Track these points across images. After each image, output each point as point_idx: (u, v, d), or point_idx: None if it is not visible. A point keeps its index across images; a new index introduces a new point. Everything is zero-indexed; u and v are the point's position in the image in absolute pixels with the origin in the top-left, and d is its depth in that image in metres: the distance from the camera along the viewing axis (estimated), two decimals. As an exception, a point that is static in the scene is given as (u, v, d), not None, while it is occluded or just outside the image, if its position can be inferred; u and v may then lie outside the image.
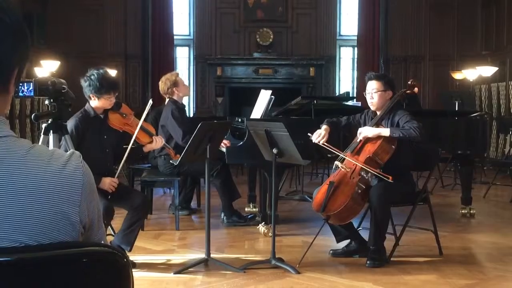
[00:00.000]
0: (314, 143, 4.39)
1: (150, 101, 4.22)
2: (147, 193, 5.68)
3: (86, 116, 3.98)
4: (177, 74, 5.75)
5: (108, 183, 3.92)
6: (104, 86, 3.92)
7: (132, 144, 4.04)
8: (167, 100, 5.71)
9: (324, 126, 4.44)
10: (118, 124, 4.10)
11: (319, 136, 4.37)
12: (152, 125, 6.01)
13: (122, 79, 12.33)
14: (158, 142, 4.27)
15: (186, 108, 12.46)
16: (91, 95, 3.96)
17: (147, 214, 4.74)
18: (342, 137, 4.97)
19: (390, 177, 4.01)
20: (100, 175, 3.82)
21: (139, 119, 4.16)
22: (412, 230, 4.69)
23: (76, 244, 1.15)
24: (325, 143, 4.34)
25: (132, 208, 4.04)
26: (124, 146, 4.09)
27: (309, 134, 4.41)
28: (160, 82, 5.67)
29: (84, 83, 3.96)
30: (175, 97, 5.61)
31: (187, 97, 6.30)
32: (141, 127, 4.12)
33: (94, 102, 4.00)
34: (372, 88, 4.36)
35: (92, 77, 3.93)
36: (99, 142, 4.02)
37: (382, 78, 4.44)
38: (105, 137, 4.05)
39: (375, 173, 4.11)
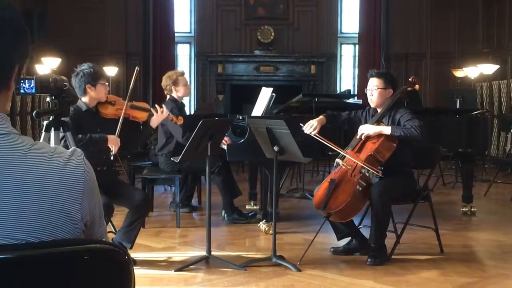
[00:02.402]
0: (306, 134, 4.37)
1: (137, 68, 4.40)
2: (148, 191, 5.67)
3: (77, 110, 3.99)
4: (181, 74, 5.75)
5: (114, 139, 3.93)
6: (98, 72, 4.04)
7: (124, 120, 4.05)
8: (167, 97, 5.73)
9: (319, 117, 4.43)
10: (111, 112, 4.12)
11: (311, 127, 4.37)
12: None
13: (123, 77, 12.34)
14: (162, 111, 4.25)
15: (187, 105, 12.45)
16: (87, 87, 4.00)
17: (148, 211, 4.72)
18: (343, 134, 4.96)
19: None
20: (98, 165, 3.82)
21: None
22: (413, 228, 4.68)
23: (78, 241, 1.15)
24: (317, 135, 4.33)
25: (133, 206, 4.04)
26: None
27: (301, 124, 4.40)
28: (164, 77, 5.72)
29: (76, 78, 4.00)
30: (174, 95, 5.63)
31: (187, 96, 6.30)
32: (132, 106, 4.17)
33: (90, 94, 4.02)
34: (373, 85, 4.35)
35: (84, 67, 4.03)
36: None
37: (383, 75, 4.43)
38: (99, 130, 4.05)
39: (374, 171, 4.10)
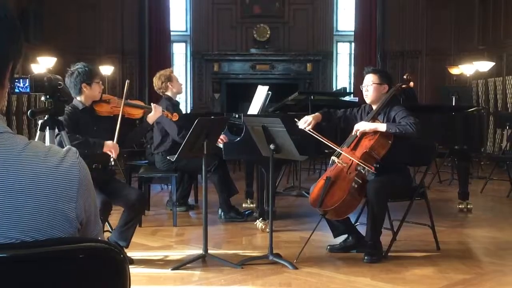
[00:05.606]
0: (301, 129, 4.40)
1: (128, 81, 4.45)
2: (144, 190, 5.67)
3: (74, 109, 3.99)
4: (171, 71, 5.78)
5: (112, 144, 3.89)
6: (93, 70, 4.06)
7: (123, 118, 4.05)
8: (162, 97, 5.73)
9: (315, 114, 4.47)
10: (106, 110, 4.14)
11: (305, 122, 4.40)
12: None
13: (119, 75, 12.32)
14: (157, 109, 4.27)
15: (183, 104, 12.43)
16: (82, 86, 4.00)
17: (143, 210, 4.71)
18: (340, 131, 4.97)
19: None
20: (94, 163, 3.82)
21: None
22: (410, 225, 4.69)
23: (73, 240, 1.15)
24: (312, 130, 4.35)
25: (128, 205, 4.04)
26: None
27: (295, 120, 4.44)
28: (154, 78, 5.70)
29: (71, 77, 4.00)
30: (169, 93, 5.62)
31: (181, 94, 6.28)
32: (128, 103, 4.20)
33: (85, 93, 4.03)
34: (368, 81, 4.38)
35: (78, 66, 4.04)
36: (89, 133, 4.01)
37: (378, 71, 4.49)
38: (95, 128, 4.05)
39: (368, 168, 4.11)
